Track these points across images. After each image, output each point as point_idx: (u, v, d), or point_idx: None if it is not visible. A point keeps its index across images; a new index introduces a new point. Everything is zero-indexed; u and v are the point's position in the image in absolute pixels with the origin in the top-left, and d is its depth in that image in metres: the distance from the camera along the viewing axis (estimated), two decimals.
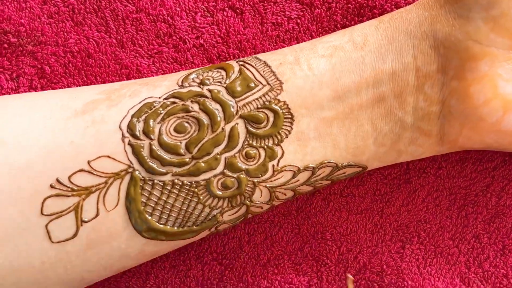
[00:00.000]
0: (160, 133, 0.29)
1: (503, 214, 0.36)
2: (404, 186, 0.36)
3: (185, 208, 0.29)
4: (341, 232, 0.36)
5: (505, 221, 0.36)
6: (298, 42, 0.36)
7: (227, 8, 0.37)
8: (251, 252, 0.36)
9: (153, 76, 0.36)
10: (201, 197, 0.29)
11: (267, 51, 0.36)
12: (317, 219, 0.36)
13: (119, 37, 0.37)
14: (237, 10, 0.37)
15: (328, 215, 0.36)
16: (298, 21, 0.37)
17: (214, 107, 0.29)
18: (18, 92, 0.36)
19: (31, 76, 0.36)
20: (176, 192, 0.29)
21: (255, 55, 0.31)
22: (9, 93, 0.36)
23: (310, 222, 0.36)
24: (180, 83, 0.30)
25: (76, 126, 0.29)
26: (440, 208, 0.36)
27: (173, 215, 0.29)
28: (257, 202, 0.30)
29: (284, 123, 0.29)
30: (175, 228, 0.30)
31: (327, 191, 0.36)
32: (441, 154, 0.36)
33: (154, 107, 0.29)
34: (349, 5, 0.36)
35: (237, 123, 0.29)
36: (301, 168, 0.30)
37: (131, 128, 0.29)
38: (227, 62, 0.32)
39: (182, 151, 0.29)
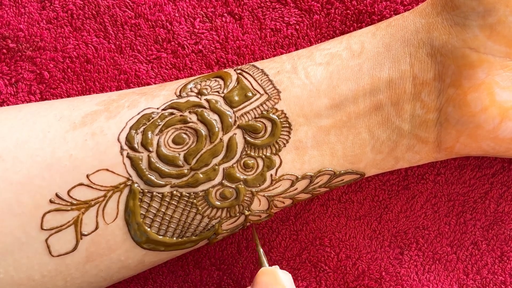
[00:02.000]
0: (158, 145, 0.29)
1: (502, 221, 0.36)
2: (403, 193, 0.36)
3: (184, 219, 0.29)
4: (340, 238, 0.36)
5: (503, 228, 0.36)
6: (297, 48, 0.36)
7: (226, 14, 0.37)
8: (249, 258, 0.36)
9: (152, 81, 0.36)
10: (199, 208, 0.29)
11: (266, 57, 0.36)
12: (316, 225, 0.36)
13: (117, 42, 0.37)
14: (236, 16, 0.37)
15: (326, 221, 0.36)
16: (297, 27, 0.37)
17: (212, 117, 0.29)
18: (17, 97, 0.36)
19: (30, 81, 0.36)
20: (175, 203, 0.29)
21: (252, 63, 0.31)
22: (8, 99, 0.36)
23: (309, 228, 0.36)
24: (178, 93, 0.30)
25: (75, 139, 0.29)
26: (438, 214, 0.36)
27: (172, 226, 0.29)
28: (256, 211, 0.30)
29: (282, 132, 0.29)
30: (174, 238, 0.30)
31: (325, 197, 0.36)
32: (439, 161, 0.36)
33: (152, 118, 0.29)
34: (348, 11, 0.36)
35: (235, 133, 0.29)
36: (299, 176, 0.30)
37: (129, 141, 0.29)
38: (224, 70, 0.31)
39: (180, 162, 0.29)
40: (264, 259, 0.31)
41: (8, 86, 0.36)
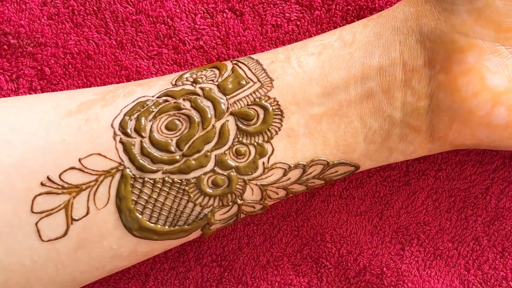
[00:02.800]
0: (151, 131, 0.29)
1: (503, 217, 0.36)
2: (404, 188, 0.36)
3: (175, 207, 0.29)
4: (341, 234, 0.36)
5: (504, 224, 0.36)
6: None
7: (226, 10, 0.37)
8: (250, 254, 0.36)
9: (152, 77, 0.36)
10: (191, 195, 0.29)
11: None
12: (317, 220, 0.36)
13: (118, 38, 0.37)
14: (237, 12, 0.37)
15: (327, 217, 0.36)
16: (298, 23, 0.37)
17: (205, 104, 0.29)
18: (18, 94, 0.36)
19: (31, 77, 0.36)
20: (167, 190, 0.29)
21: (249, 55, 0.32)
22: (9, 94, 0.36)
23: (310, 223, 0.36)
24: (173, 82, 0.30)
25: (69, 125, 0.29)
26: (439, 210, 0.36)
27: (164, 213, 0.29)
28: (249, 201, 0.30)
29: (274, 120, 0.30)
30: (166, 227, 0.30)
31: (326, 193, 0.36)
32: (441, 156, 0.36)
33: (147, 105, 0.29)
34: (349, 7, 0.36)
35: (227, 120, 0.29)
36: (292, 165, 0.30)
37: (122, 126, 0.29)
38: (221, 62, 0.32)
39: (172, 148, 0.29)
40: None
41: (9, 82, 0.36)
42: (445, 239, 0.36)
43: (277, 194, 0.31)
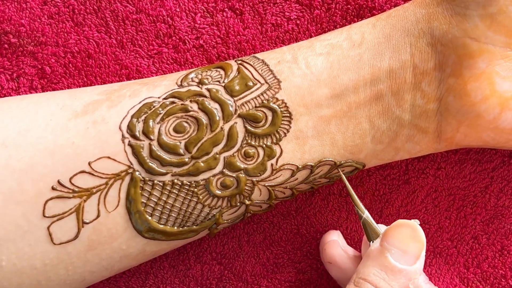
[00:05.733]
0: (159, 133, 0.29)
1: (502, 215, 0.36)
2: (403, 187, 0.36)
3: (184, 208, 0.29)
4: (341, 232, 0.36)
5: (503, 222, 0.36)
6: None
7: (226, 9, 0.37)
8: (250, 252, 0.36)
9: (153, 76, 0.36)
10: (200, 197, 0.29)
11: None
12: (317, 219, 0.36)
13: (119, 37, 0.37)
14: (237, 11, 0.37)
15: (327, 215, 0.36)
16: (298, 22, 0.37)
17: (213, 106, 0.29)
18: (19, 92, 0.36)
19: (31, 76, 0.36)
20: (176, 192, 0.29)
21: (253, 55, 0.32)
22: (10, 93, 0.36)
23: (310, 222, 0.36)
24: (179, 83, 0.30)
25: (77, 127, 0.29)
26: (439, 208, 0.36)
27: (173, 215, 0.29)
28: (256, 201, 0.30)
29: (283, 122, 0.30)
30: (175, 228, 0.30)
31: (326, 191, 0.36)
32: (440, 155, 0.36)
33: (154, 107, 0.29)
34: (349, 6, 0.36)
35: (235, 122, 0.29)
36: (300, 166, 0.30)
37: (131, 129, 0.29)
38: (226, 61, 0.32)
39: (181, 151, 0.29)
40: (363, 208, 0.30)
41: (10, 81, 0.36)
42: (444, 238, 0.36)
43: (284, 193, 0.31)
